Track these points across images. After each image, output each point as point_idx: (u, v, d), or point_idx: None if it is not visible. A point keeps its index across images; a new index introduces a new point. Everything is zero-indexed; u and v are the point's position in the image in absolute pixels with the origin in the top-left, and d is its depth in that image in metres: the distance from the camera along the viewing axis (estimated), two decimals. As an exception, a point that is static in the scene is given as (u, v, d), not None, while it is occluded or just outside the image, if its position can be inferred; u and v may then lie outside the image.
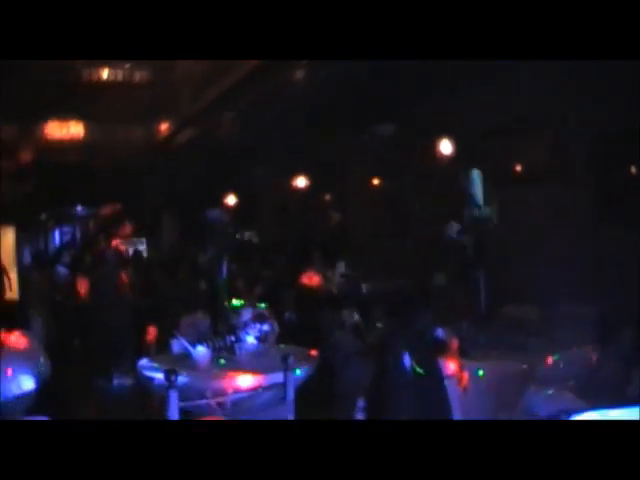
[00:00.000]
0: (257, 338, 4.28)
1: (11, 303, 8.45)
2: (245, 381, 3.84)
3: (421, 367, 4.29)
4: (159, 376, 3.82)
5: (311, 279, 8.25)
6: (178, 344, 4.41)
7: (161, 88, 10.32)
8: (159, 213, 16.51)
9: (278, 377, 3.73)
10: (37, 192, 16.63)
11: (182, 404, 3.27)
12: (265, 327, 4.30)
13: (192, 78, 9.95)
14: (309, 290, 8.10)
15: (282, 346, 4.59)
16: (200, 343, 4.19)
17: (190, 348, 4.21)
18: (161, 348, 4.82)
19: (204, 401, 3.58)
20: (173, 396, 3.23)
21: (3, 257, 17.80)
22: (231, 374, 3.98)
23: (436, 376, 4.63)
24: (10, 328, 4.94)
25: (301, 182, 12.18)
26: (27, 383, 4.73)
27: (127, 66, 9.85)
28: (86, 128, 13.55)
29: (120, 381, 8.52)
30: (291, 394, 3.56)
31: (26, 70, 8.07)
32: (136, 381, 4.53)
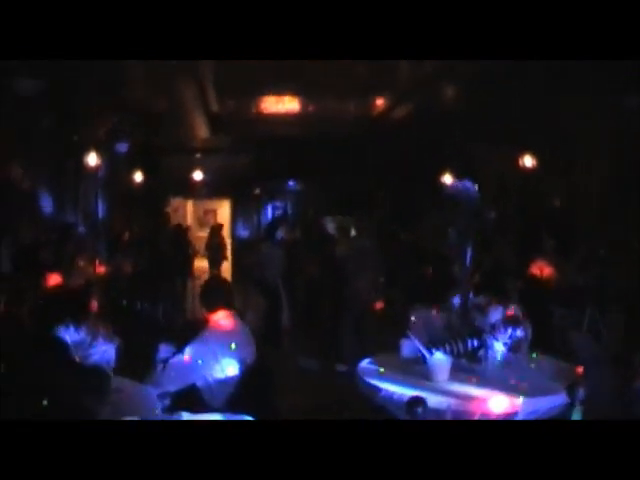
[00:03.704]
0: (507, 345, 3.42)
1: (220, 281, 8.32)
2: (499, 405, 2.95)
3: None
4: (388, 387, 3.13)
5: (543, 270, 7.29)
6: (410, 345, 3.64)
7: (377, 62, 9.77)
8: (372, 189, 16.04)
9: (542, 403, 2.89)
10: (252, 166, 16.89)
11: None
12: (518, 332, 3.44)
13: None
14: (540, 283, 7.16)
15: (534, 355, 3.71)
16: (435, 346, 3.42)
17: (427, 353, 3.42)
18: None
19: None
20: (416, 432, 2.51)
21: (220, 230, 18.45)
22: (479, 393, 3.16)
23: None
24: (216, 307, 4.55)
25: (528, 161, 11.09)
26: (231, 369, 4.33)
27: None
28: (301, 103, 13.41)
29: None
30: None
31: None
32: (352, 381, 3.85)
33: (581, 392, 2.81)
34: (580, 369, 3.35)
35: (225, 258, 17.25)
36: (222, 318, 4.49)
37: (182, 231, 14.52)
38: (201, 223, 21.59)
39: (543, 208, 11.27)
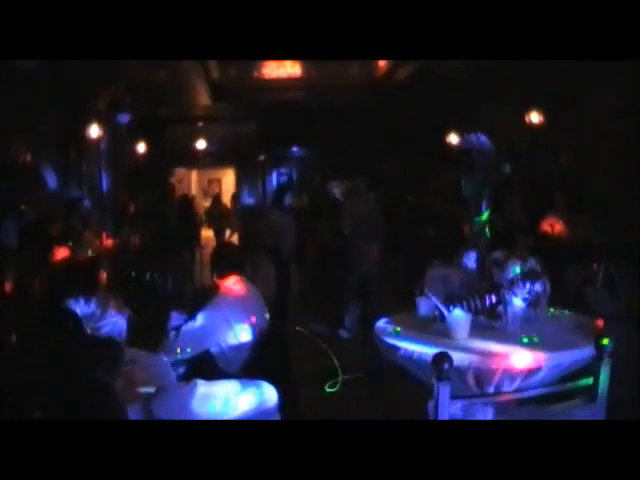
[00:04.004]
0: (526, 301, 3.35)
1: (230, 246, 8.26)
2: (522, 360, 2.87)
3: None
4: (407, 347, 3.07)
5: (554, 227, 7.22)
6: (427, 303, 3.58)
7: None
8: (378, 152, 15.88)
9: (566, 356, 2.82)
10: (255, 133, 16.76)
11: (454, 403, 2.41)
12: (537, 287, 3.37)
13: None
14: (551, 239, 7.09)
15: (552, 310, 3.65)
16: (453, 303, 3.36)
17: (445, 310, 3.37)
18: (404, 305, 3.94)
19: (482, 400, 2.68)
20: (444, 392, 2.35)
21: (224, 199, 18.35)
22: (501, 349, 3.02)
23: None
24: (227, 273, 4.50)
25: (534, 118, 10.96)
26: (244, 334, 4.29)
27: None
28: (303, 67, 13.24)
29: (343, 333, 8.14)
30: (604, 394, 2.60)
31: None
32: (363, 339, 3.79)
33: (610, 344, 2.75)
34: (601, 322, 3.29)
35: (229, 226, 17.18)
36: (233, 284, 4.44)
37: (187, 201, 14.43)
38: (206, 193, 21.50)
39: (553, 165, 11.16)
